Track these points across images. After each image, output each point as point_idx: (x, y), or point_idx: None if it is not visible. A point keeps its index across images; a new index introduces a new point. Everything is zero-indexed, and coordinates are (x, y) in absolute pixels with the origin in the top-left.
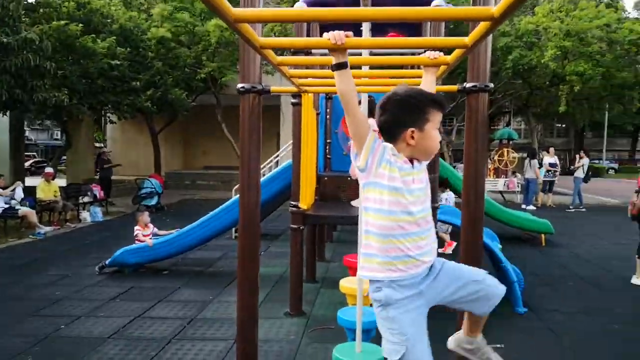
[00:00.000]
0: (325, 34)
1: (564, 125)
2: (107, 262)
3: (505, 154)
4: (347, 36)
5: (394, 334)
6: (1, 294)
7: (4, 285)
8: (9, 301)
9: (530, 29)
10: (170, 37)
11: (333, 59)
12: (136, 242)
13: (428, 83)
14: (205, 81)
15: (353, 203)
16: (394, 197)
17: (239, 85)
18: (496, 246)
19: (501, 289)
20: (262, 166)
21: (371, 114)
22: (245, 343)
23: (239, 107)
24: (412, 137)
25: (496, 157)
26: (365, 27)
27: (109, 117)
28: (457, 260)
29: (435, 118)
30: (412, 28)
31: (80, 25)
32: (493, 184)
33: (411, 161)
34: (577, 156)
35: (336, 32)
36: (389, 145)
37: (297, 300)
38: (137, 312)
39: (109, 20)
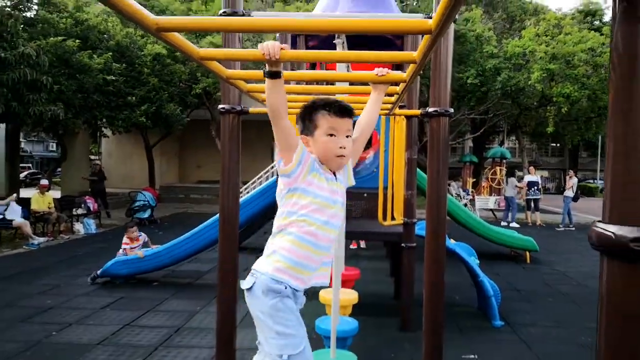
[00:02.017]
0: (259, 45)
1: (558, 145)
2: (98, 272)
3: (498, 172)
4: (282, 49)
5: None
6: None
7: None
8: (0, 308)
9: (518, 52)
10: (165, 54)
11: (266, 67)
12: (122, 252)
13: (372, 101)
14: (200, 96)
15: None
16: (321, 206)
17: (220, 106)
18: (474, 261)
19: None
20: (254, 179)
21: None
22: (224, 348)
23: None
24: (308, 144)
25: (489, 175)
26: (339, 44)
27: (102, 131)
28: (420, 270)
29: (323, 123)
30: (393, 46)
31: (78, 41)
32: (484, 202)
33: (334, 174)
34: (567, 176)
35: (271, 44)
36: (315, 156)
37: None
38: (126, 321)
39: (105, 36)
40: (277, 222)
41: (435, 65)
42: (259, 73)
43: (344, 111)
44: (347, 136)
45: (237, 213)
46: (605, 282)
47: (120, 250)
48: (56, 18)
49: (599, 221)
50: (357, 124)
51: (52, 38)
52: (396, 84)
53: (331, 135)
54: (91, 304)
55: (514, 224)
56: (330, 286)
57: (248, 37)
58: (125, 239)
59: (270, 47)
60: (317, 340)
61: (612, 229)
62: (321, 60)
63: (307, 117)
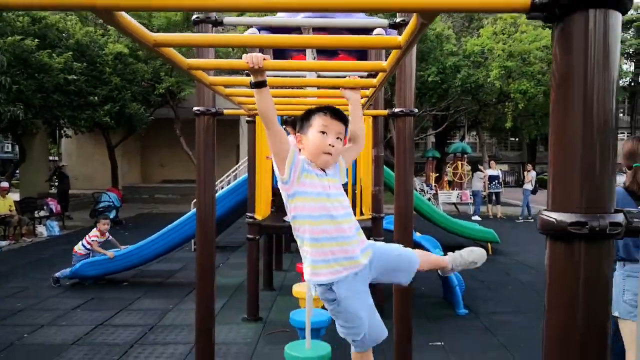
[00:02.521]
0: (244, 56)
1: (517, 139)
2: (58, 274)
3: (459, 167)
4: (264, 59)
5: (349, 319)
6: None
7: None
8: None
9: (477, 50)
10: (127, 52)
11: (252, 78)
12: (85, 247)
13: (352, 110)
14: (164, 95)
15: (285, 218)
16: (319, 203)
17: (195, 108)
18: (438, 253)
19: (416, 259)
20: (220, 179)
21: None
22: (203, 344)
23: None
24: (300, 142)
25: (450, 170)
26: (309, 52)
27: (64, 131)
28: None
29: (317, 122)
30: (361, 51)
31: (36, 40)
32: (447, 196)
33: (323, 171)
34: (526, 170)
35: (254, 55)
36: (304, 157)
37: (253, 306)
38: (98, 321)
39: (64, 35)
40: (293, 230)
41: (401, 70)
42: (240, 80)
43: (337, 114)
44: (338, 138)
45: (214, 211)
46: (549, 264)
47: (81, 246)
48: (12, 16)
49: (545, 210)
50: (349, 133)
51: (9, 37)
52: (366, 88)
53: (323, 132)
54: (62, 305)
55: (476, 217)
56: (303, 280)
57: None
58: (94, 232)
59: (254, 57)
60: (292, 332)
61: (554, 216)
62: (298, 69)
63: (305, 119)
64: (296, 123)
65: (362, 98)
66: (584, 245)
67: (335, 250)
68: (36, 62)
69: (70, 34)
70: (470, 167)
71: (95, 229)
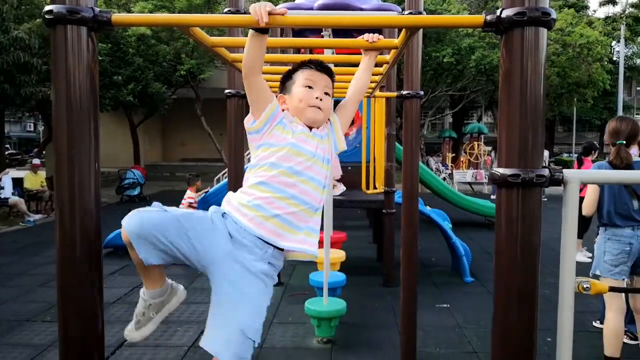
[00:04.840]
0: (251, 8)
1: None
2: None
3: (476, 147)
4: (271, 13)
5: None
6: (7, 270)
7: (7, 265)
8: (15, 277)
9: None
10: (150, 34)
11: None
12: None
13: (363, 67)
14: (185, 76)
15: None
16: (284, 152)
17: (227, 91)
18: (447, 225)
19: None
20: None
21: None
22: None
23: (217, 101)
24: (284, 102)
25: (467, 150)
26: (326, 35)
27: None
28: (400, 236)
29: (301, 77)
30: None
31: None
32: (462, 176)
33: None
34: None
35: (261, 5)
36: (286, 113)
37: None
38: (136, 284)
39: None
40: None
41: (408, 55)
42: (242, 40)
43: (323, 67)
44: (326, 93)
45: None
46: (497, 207)
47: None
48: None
49: (498, 167)
50: (349, 89)
51: (38, 19)
52: (379, 65)
53: (308, 87)
54: None
55: (494, 197)
56: (321, 247)
57: None
58: (188, 194)
59: (258, 10)
60: (311, 294)
61: (500, 171)
62: (310, 26)
63: (287, 78)
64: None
65: (375, 76)
66: (520, 191)
67: (282, 207)
68: None
69: None
70: (491, 148)
71: (188, 191)
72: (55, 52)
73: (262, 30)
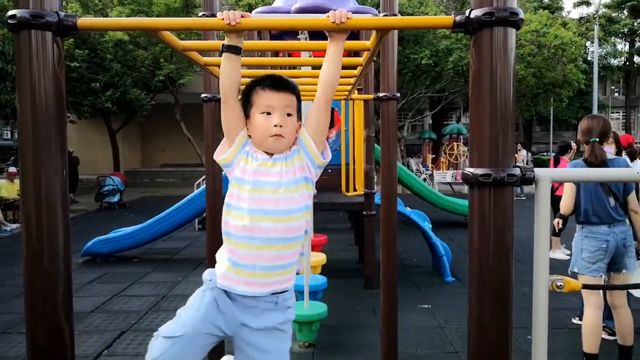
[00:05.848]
0: (219, 14)
1: None
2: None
3: (455, 147)
4: (243, 16)
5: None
6: None
7: None
8: None
9: None
10: (127, 40)
11: (226, 40)
12: None
13: (330, 55)
14: (164, 81)
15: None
16: (247, 194)
17: (203, 95)
18: (427, 226)
19: None
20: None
21: None
22: None
23: (196, 106)
24: (249, 129)
25: (447, 151)
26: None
27: (68, 117)
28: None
29: (258, 100)
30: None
31: None
32: (442, 176)
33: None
34: (516, 149)
35: (231, 11)
36: (250, 140)
37: None
38: (114, 292)
39: None
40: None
41: (384, 57)
42: (214, 43)
43: (278, 84)
44: (288, 114)
45: (222, 191)
46: (470, 207)
47: None
48: (11, 4)
49: (470, 167)
50: (318, 88)
51: None
52: (353, 67)
53: (266, 113)
54: (77, 280)
55: None
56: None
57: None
58: None
59: (230, 14)
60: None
61: (471, 170)
62: (279, 29)
63: (245, 99)
64: None
65: (350, 78)
66: (492, 190)
67: (253, 254)
68: None
69: None
70: (465, 148)
71: None
72: (19, 57)
73: (235, 50)
